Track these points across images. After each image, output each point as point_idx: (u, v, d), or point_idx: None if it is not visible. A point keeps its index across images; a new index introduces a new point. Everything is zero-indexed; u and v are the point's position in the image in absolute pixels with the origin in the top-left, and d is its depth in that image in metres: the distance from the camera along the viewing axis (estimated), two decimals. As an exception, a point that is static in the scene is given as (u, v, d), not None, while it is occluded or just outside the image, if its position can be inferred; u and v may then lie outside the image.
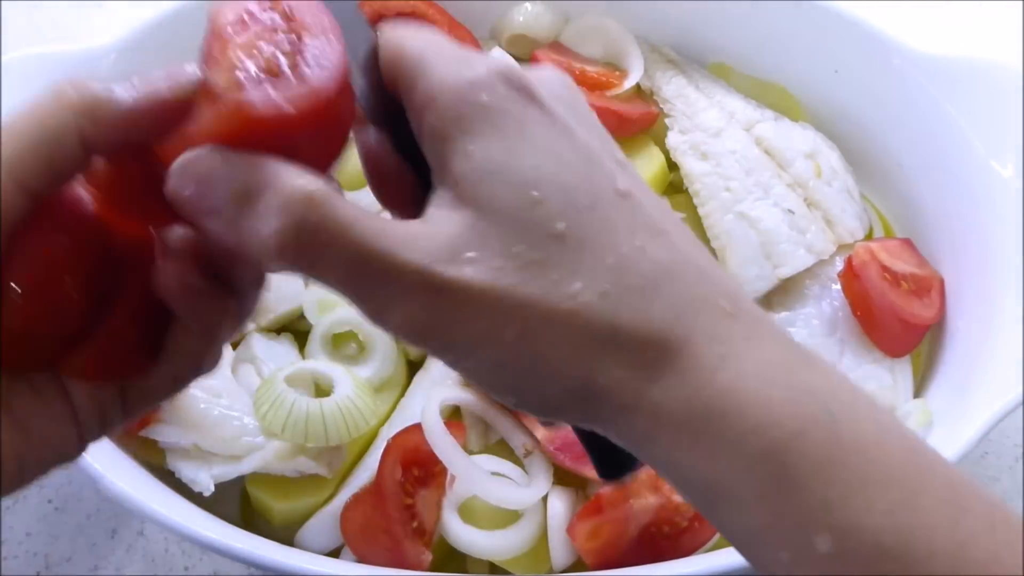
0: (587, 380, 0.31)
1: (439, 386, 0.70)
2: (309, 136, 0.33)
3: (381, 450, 0.67)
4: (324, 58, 0.33)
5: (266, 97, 0.32)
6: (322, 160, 0.33)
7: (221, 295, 0.35)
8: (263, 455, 0.66)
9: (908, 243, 0.79)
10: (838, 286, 0.75)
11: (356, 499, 0.66)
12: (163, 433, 0.66)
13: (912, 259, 0.77)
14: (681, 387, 0.31)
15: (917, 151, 0.81)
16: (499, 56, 0.35)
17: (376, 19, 0.84)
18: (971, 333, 0.72)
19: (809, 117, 0.87)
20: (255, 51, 0.33)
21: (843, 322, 0.74)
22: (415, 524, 0.65)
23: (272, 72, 0.32)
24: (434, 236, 0.31)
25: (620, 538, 0.64)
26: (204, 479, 0.65)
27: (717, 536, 0.64)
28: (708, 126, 0.81)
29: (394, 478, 0.66)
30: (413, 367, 0.75)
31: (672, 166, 0.83)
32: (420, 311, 0.31)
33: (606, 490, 0.65)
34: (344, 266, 0.30)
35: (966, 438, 0.61)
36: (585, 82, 0.84)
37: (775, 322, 0.32)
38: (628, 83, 0.85)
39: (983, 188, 0.74)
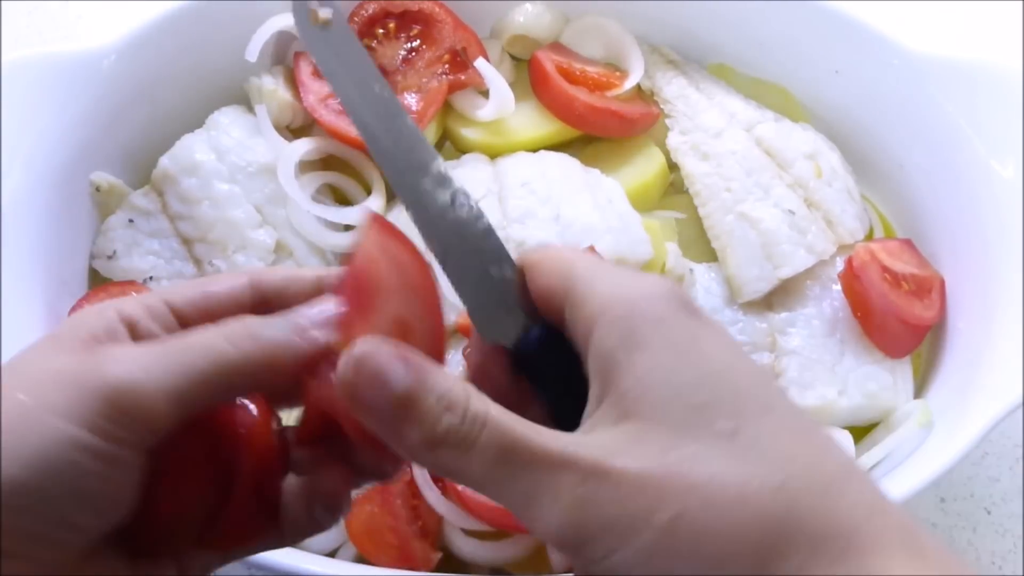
0: (758, 562, 0.31)
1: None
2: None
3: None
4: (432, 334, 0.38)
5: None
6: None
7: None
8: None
9: (908, 243, 0.79)
10: (839, 287, 0.75)
11: (361, 499, 0.66)
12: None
13: (912, 259, 0.77)
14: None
15: (917, 151, 0.81)
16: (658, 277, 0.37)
17: (382, 18, 0.84)
18: (971, 333, 0.72)
19: (809, 118, 0.87)
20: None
21: (843, 323, 0.74)
22: (420, 524, 0.65)
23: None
24: (591, 440, 0.33)
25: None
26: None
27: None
28: (709, 127, 0.81)
29: (402, 479, 0.66)
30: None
31: (672, 167, 0.83)
32: (569, 494, 0.31)
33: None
34: (494, 453, 0.32)
35: (966, 438, 0.61)
36: (586, 82, 0.84)
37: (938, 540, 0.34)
38: (629, 83, 0.85)
39: (984, 188, 0.74)
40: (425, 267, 0.39)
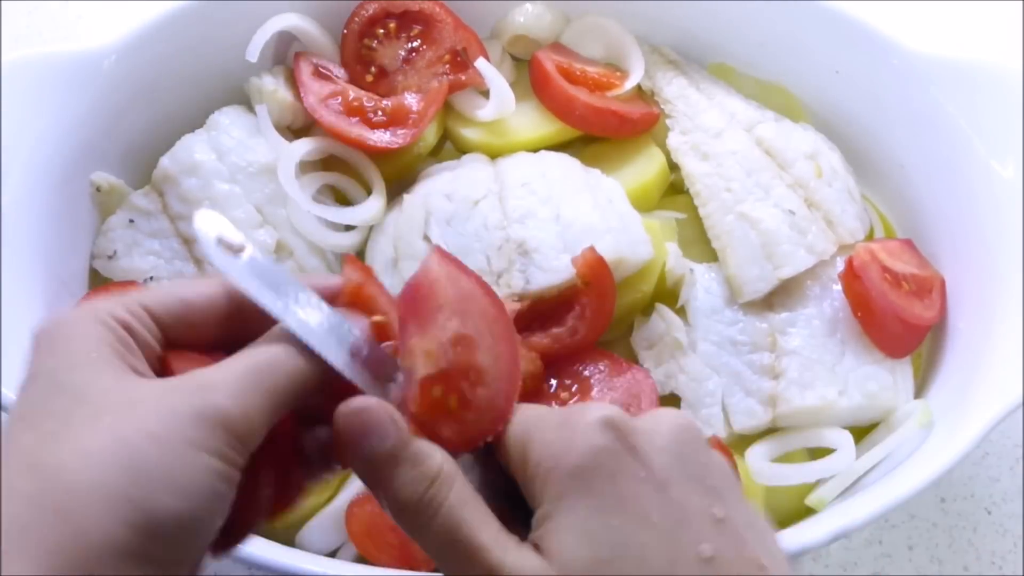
0: None
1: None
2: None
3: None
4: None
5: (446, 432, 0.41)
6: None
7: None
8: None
9: (909, 243, 0.79)
10: (839, 287, 0.75)
11: (361, 499, 0.66)
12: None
13: (913, 259, 0.77)
14: None
15: (918, 151, 0.81)
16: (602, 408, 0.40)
17: (382, 18, 0.84)
18: (972, 333, 0.72)
19: (810, 118, 0.87)
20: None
21: (844, 323, 0.74)
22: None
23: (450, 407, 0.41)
24: (521, 557, 0.37)
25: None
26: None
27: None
28: (709, 127, 0.81)
29: None
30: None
31: (673, 167, 0.83)
32: None
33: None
34: (441, 538, 0.37)
35: (967, 438, 0.61)
36: (586, 83, 0.84)
37: None
38: (629, 84, 0.85)
39: (984, 188, 0.74)
40: (491, 293, 0.42)
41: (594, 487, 0.37)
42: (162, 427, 0.34)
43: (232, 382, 0.37)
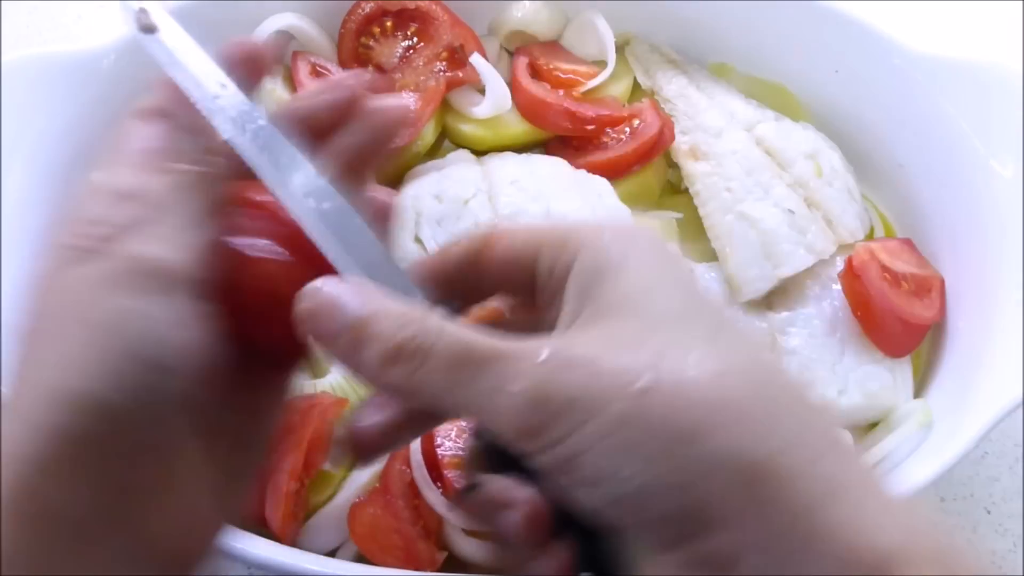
0: (739, 435, 0.29)
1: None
2: None
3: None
4: None
5: None
6: None
7: None
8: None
9: (908, 243, 0.79)
10: (838, 286, 0.75)
11: (363, 500, 0.66)
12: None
13: (912, 259, 0.77)
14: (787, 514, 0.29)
15: (917, 151, 0.81)
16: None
17: (379, 16, 0.84)
18: (971, 333, 0.72)
19: (810, 117, 0.87)
20: None
21: (843, 322, 0.74)
22: (421, 524, 0.65)
23: None
24: (556, 337, 0.33)
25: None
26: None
27: None
28: (709, 126, 0.81)
29: (403, 480, 0.66)
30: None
31: (672, 166, 0.83)
32: (532, 373, 0.30)
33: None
34: (451, 357, 0.32)
35: (966, 438, 0.61)
36: (550, 79, 0.84)
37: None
38: (592, 82, 0.84)
39: (983, 188, 0.74)
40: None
41: (658, 262, 0.34)
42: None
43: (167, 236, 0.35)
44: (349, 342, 0.33)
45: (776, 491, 0.28)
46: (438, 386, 0.32)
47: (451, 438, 0.66)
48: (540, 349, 0.31)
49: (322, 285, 0.35)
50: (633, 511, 0.30)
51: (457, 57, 0.82)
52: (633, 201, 0.77)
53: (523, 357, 0.31)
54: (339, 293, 0.34)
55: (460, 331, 0.33)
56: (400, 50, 0.84)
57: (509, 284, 0.38)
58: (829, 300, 0.75)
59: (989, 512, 0.77)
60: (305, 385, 0.69)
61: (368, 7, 0.83)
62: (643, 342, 0.31)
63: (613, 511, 0.30)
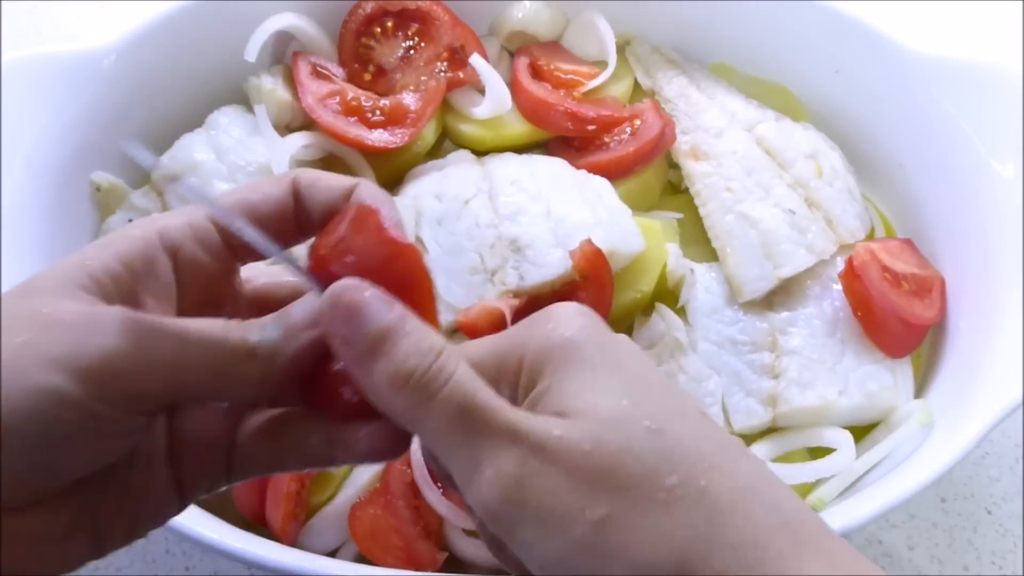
0: (681, 563, 0.32)
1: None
2: None
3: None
4: None
5: None
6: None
7: None
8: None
9: (909, 243, 0.79)
10: (839, 286, 0.75)
11: (363, 501, 0.66)
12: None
13: (913, 259, 0.77)
14: None
15: (918, 151, 0.81)
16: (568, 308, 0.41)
17: (380, 16, 0.84)
18: (972, 333, 0.72)
19: (810, 117, 0.87)
20: None
21: (844, 322, 0.74)
22: (422, 525, 0.65)
23: None
24: (536, 420, 0.35)
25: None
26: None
27: None
28: (709, 126, 0.81)
29: (404, 480, 0.66)
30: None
31: (672, 166, 0.83)
32: (513, 471, 0.33)
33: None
34: (452, 409, 0.34)
35: (967, 438, 0.61)
36: (552, 80, 0.84)
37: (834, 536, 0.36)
38: (594, 82, 0.84)
39: (984, 188, 0.74)
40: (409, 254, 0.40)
41: (589, 356, 0.36)
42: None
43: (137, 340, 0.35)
44: (364, 350, 0.35)
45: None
46: (434, 430, 0.34)
47: None
48: (526, 436, 0.34)
49: (353, 284, 0.35)
50: None
51: (458, 57, 0.83)
52: (633, 201, 0.77)
53: (510, 441, 0.34)
54: (368, 298, 0.35)
55: (466, 383, 0.35)
56: (401, 50, 0.84)
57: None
58: (830, 300, 0.75)
59: (990, 512, 0.77)
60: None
61: (369, 7, 0.83)
62: (599, 447, 0.34)
63: None
